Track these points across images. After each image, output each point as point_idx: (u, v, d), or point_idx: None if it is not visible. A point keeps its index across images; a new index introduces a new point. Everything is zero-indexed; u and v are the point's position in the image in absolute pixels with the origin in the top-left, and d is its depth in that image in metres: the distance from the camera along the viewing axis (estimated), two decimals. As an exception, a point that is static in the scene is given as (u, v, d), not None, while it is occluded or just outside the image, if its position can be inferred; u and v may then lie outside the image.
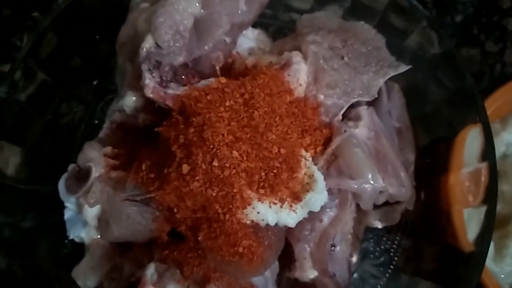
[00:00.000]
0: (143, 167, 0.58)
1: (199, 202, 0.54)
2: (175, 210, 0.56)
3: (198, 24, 0.63)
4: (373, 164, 0.62)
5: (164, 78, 0.61)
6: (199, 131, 0.54)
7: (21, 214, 0.68)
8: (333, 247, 0.63)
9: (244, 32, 0.70)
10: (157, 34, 0.60)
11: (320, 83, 0.63)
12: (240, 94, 0.57)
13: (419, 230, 0.73)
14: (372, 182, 0.61)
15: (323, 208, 0.59)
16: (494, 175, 0.62)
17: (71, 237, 0.64)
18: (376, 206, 0.67)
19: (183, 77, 0.63)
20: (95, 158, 0.62)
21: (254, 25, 0.72)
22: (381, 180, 0.62)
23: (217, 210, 0.54)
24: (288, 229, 0.60)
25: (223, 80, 0.59)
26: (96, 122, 0.79)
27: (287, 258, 0.63)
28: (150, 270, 0.58)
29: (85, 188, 0.60)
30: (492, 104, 0.79)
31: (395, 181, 0.65)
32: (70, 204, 0.63)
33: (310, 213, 0.58)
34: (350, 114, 0.66)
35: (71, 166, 0.63)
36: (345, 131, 0.62)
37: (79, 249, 0.65)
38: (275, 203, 0.56)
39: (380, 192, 0.63)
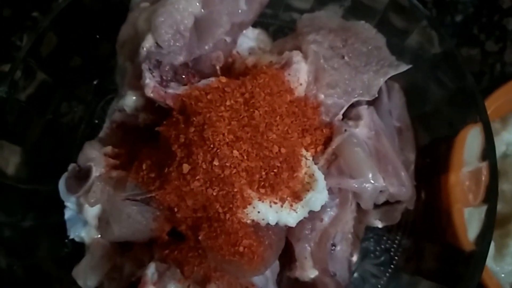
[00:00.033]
0: (144, 166, 0.58)
1: (200, 201, 0.54)
2: (176, 209, 0.56)
3: (199, 23, 0.63)
4: (373, 164, 0.62)
5: (164, 77, 0.61)
6: (200, 130, 0.54)
7: (21, 214, 0.68)
8: (333, 247, 0.63)
9: (244, 31, 0.70)
10: (157, 34, 0.60)
11: (321, 83, 0.63)
12: (240, 94, 0.57)
13: (419, 230, 0.73)
14: (372, 181, 0.61)
15: (323, 207, 0.58)
16: (494, 174, 0.62)
17: (71, 237, 0.64)
18: (376, 206, 0.67)
19: (183, 76, 0.63)
20: (96, 157, 0.62)
21: (255, 25, 0.72)
22: (382, 180, 0.62)
23: (218, 210, 0.54)
24: (289, 229, 0.60)
25: (223, 79, 0.59)
26: (96, 121, 0.79)
27: (287, 257, 0.63)
28: (151, 270, 0.58)
29: (86, 188, 0.60)
30: (492, 104, 0.79)
31: (396, 180, 0.65)
32: (70, 204, 0.63)
33: (311, 212, 0.58)
34: (350, 114, 0.66)
35: (71, 166, 0.63)
36: (345, 130, 0.62)
37: (79, 249, 0.65)
38: (275, 203, 0.56)
39: (381, 191, 0.63)
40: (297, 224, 0.57)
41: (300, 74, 0.62)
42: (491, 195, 0.62)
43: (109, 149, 0.64)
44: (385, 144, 0.66)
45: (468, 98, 0.65)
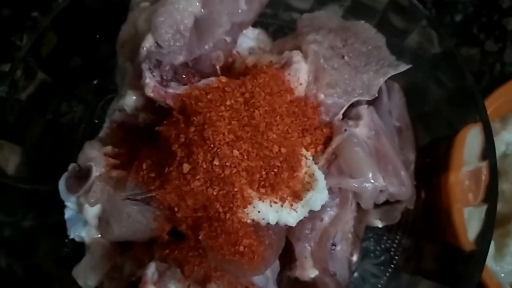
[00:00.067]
0: (144, 166, 0.58)
1: (200, 201, 0.54)
2: (176, 209, 0.56)
3: (199, 23, 0.63)
4: (373, 163, 0.62)
5: (164, 77, 0.61)
6: (200, 130, 0.54)
7: (21, 214, 0.68)
8: (333, 246, 0.64)
9: (244, 31, 0.70)
10: (157, 33, 0.60)
11: (321, 82, 0.63)
12: (240, 93, 0.57)
13: (419, 229, 0.73)
14: (372, 181, 0.61)
15: (323, 207, 0.58)
16: (494, 174, 0.63)
17: (71, 237, 0.64)
18: (376, 205, 0.67)
19: (183, 76, 0.63)
20: (96, 157, 0.62)
21: (255, 25, 0.72)
22: (382, 179, 0.62)
23: (218, 209, 0.54)
24: (289, 228, 0.60)
25: (223, 79, 0.59)
26: (96, 121, 0.79)
27: (287, 257, 0.63)
28: (151, 269, 0.58)
29: (86, 188, 0.60)
30: (492, 103, 0.79)
31: (396, 180, 0.65)
32: (70, 204, 0.63)
33: (311, 212, 0.58)
34: (350, 113, 0.66)
35: (71, 166, 0.63)
36: (345, 130, 0.62)
37: (79, 249, 0.65)
38: (275, 202, 0.56)
39: (381, 191, 0.63)
40: (297, 223, 0.57)
41: (300, 74, 0.62)
42: (491, 195, 0.62)
43: (109, 148, 0.64)
44: (385, 143, 0.66)
45: (468, 98, 0.65)
